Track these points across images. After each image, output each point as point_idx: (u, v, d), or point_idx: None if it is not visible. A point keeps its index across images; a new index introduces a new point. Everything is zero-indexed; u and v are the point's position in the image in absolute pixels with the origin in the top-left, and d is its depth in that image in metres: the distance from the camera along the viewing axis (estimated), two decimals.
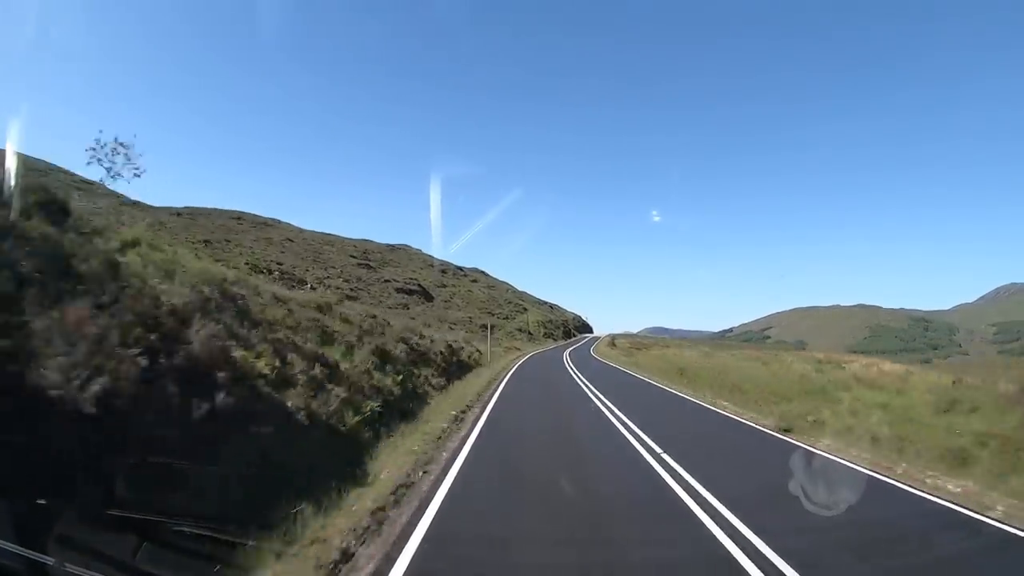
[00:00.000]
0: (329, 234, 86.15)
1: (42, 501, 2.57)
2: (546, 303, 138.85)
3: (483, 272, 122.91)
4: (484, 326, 49.55)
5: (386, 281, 69.47)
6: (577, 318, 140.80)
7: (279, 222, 78.70)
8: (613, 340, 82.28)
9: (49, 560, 1.88)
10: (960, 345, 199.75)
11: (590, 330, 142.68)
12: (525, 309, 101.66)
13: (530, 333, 79.43)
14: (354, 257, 74.54)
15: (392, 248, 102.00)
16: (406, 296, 66.43)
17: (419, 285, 74.45)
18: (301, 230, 79.87)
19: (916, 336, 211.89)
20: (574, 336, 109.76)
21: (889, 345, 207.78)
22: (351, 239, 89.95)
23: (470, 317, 65.80)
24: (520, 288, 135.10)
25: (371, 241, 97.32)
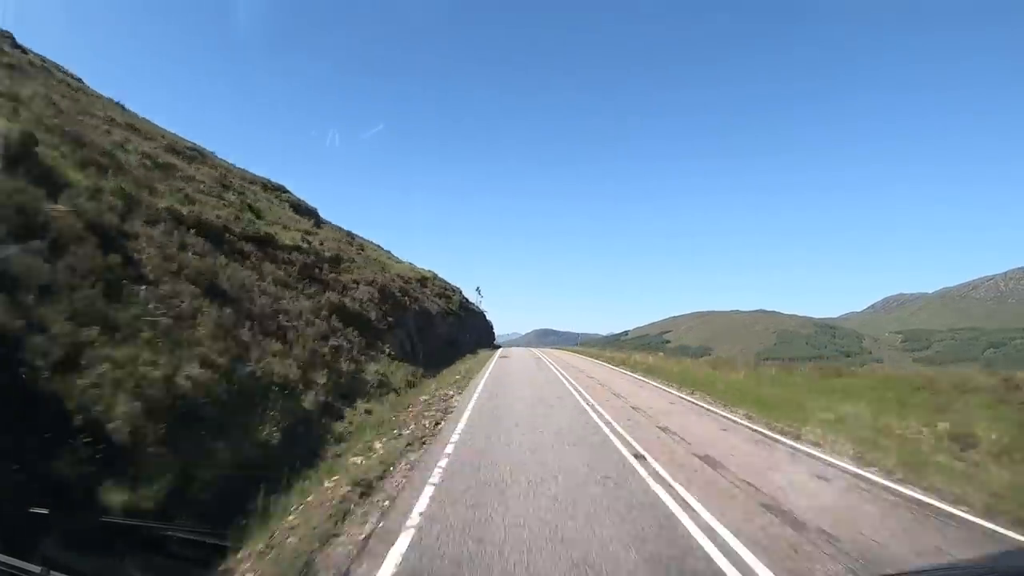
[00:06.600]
0: None
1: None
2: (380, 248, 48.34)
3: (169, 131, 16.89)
4: None
5: None
6: (458, 295, 57.57)
7: None
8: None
9: (35, 568, 1.64)
10: (871, 352, 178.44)
11: (491, 338, 70.07)
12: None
13: None
14: None
15: None
16: None
17: None
18: None
19: (826, 343, 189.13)
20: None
21: (800, 351, 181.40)
22: None
23: None
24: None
25: None
